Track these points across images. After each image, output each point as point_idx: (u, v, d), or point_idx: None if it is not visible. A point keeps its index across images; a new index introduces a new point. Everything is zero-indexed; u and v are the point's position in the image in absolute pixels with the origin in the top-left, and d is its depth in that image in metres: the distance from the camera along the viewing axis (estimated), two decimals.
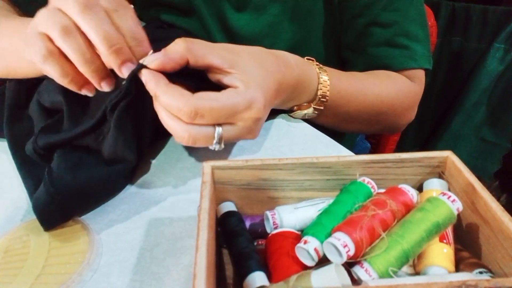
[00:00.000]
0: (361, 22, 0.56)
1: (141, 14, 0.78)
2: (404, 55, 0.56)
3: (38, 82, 0.46)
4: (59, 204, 0.35)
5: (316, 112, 0.49)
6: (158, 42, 0.60)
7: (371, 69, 0.56)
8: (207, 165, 0.31)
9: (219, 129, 0.36)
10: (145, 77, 0.35)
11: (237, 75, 0.37)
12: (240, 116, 0.36)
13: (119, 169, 0.39)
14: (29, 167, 0.41)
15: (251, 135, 0.39)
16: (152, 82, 0.35)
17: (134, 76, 0.36)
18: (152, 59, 0.36)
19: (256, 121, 0.38)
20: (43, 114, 0.43)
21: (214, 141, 0.36)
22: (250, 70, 0.38)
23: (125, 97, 0.37)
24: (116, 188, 0.40)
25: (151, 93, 0.36)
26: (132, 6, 0.38)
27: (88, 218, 0.37)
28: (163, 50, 0.36)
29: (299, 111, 0.49)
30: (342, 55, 0.62)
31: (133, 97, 0.37)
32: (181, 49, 0.36)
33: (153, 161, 0.44)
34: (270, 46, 0.61)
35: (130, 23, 0.36)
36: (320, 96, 0.47)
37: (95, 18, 0.33)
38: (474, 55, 1.06)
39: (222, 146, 0.37)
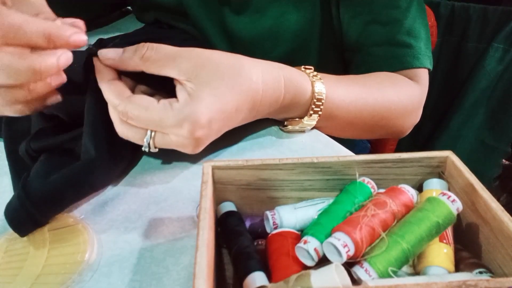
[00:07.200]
0: (361, 21, 0.55)
1: (139, 17, 0.78)
2: (407, 54, 0.54)
3: None
4: (28, 210, 0.34)
5: (309, 125, 0.46)
6: (158, 42, 0.60)
7: (373, 69, 0.55)
8: (207, 165, 0.31)
9: (149, 135, 0.36)
10: (96, 66, 0.37)
11: (188, 87, 0.35)
12: (169, 130, 0.35)
13: (87, 166, 0.37)
14: (19, 169, 0.41)
15: (186, 150, 0.37)
16: (98, 73, 0.36)
17: (88, 57, 0.37)
18: (106, 57, 0.36)
19: (189, 139, 0.35)
20: (41, 118, 0.43)
21: (143, 146, 0.36)
22: (209, 85, 0.35)
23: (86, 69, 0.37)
24: (88, 188, 0.38)
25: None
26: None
27: (88, 218, 0.37)
28: (121, 51, 0.36)
29: (290, 126, 0.46)
30: (345, 57, 0.62)
31: (97, 92, 0.37)
32: (136, 58, 0.35)
33: (153, 161, 0.44)
34: (270, 48, 0.61)
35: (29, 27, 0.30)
36: (312, 112, 0.44)
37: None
38: (474, 55, 1.06)
39: (155, 149, 0.37)
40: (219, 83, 0.36)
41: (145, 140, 0.36)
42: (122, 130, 0.37)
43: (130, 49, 0.36)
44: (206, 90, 0.35)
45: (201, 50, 0.37)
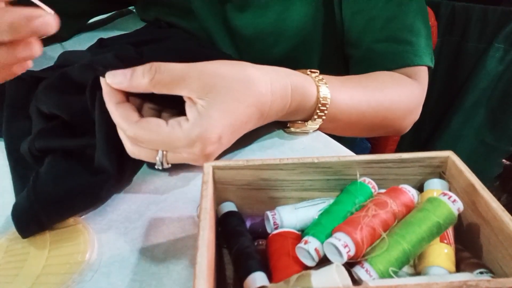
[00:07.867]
0: (362, 17, 0.55)
1: (141, 14, 0.78)
2: (408, 51, 0.54)
3: (38, 81, 0.46)
4: (36, 213, 0.34)
5: (313, 128, 0.47)
6: (158, 42, 0.60)
7: (374, 66, 0.55)
8: (208, 165, 0.31)
9: (161, 154, 0.36)
10: (103, 88, 0.36)
11: (199, 106, 0.35)
12: (181, 150, 0.36)
13: (101, 180, 0.37)
14: (20, 168, 0.41)
15: (197, 163, 0.37)
16: (106, 95, 0.36)
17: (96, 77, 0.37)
18: (114, 80, 0.35)
19: (201, 155, 0.36)
20: (41, 118, 0.43)
21: (156, 165, 0.37)
22: (220, 101, 0.35)
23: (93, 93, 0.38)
24: (97, 200, 0.38)
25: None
26: None
27: (88, 218, 0.37)
28: (128, 74, 0.35)
29: (293, 128, 0.47)
30: (345, 53, 0.62)
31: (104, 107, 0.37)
32: (146, 83, 0.35)
33: None
34: (272, 45, 0.62)
35: None
36: (317, 117, 0.45)
37: None
38: (474, 55, 1.05)
39: (168, 166, 0.37)
40: (230, 98, 0.36)
41: (157, 159, 0.36)
42: (133, 151, 0.37)
43: (138, 72, 0.35)
44: (217, 107, 0.35)
45: (209, 66, 0.37)
